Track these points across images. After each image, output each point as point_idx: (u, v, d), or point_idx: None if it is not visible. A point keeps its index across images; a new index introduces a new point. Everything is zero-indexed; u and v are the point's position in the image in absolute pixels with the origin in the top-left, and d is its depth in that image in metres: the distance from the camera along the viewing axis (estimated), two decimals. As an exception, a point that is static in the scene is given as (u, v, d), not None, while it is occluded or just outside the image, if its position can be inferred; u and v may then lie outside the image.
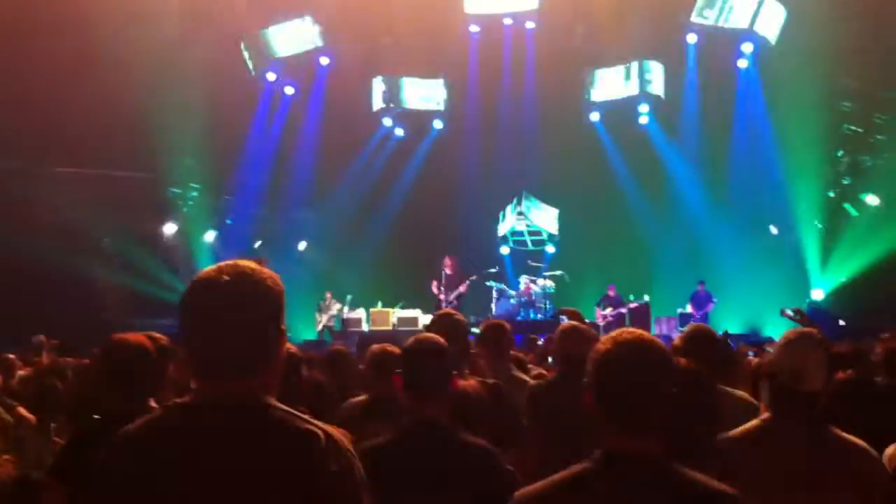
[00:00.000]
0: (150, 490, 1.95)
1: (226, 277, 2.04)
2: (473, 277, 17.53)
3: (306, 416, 2.04)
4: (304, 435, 1.98)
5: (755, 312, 18.15)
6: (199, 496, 1.93)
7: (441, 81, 20.90)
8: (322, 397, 5.14)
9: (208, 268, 2.09)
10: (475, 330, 7.64)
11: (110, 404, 3.71)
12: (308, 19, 19.31)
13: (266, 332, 2.05)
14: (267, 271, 2.10)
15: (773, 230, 19.12)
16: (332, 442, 2.00)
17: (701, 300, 17.82)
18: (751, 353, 9.08)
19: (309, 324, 18.59)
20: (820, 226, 18.44)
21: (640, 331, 2.37)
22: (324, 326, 18.54)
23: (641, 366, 2.26)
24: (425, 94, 21.09)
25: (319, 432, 1.99)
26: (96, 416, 3.77)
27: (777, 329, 17.05)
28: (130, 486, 1.96)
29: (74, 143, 16.03)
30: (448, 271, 17.28)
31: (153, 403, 3.59)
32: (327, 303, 18.65)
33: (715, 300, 17.77)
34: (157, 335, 4.03)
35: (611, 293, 17.84)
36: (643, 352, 2.28)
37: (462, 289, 17.18)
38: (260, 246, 19.75)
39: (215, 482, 1.93)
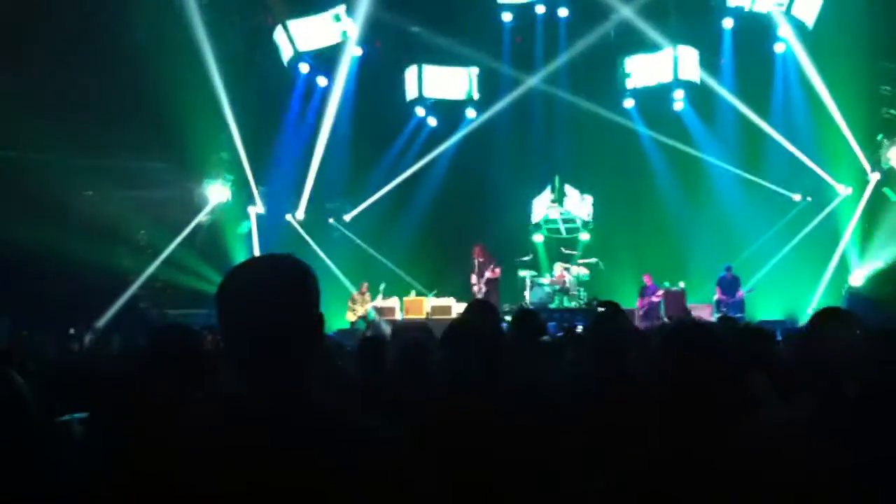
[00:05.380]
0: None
1: (262, 266, 2.07)
2: (500, 265, 17.53)
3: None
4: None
5: (793, 299, 17.98)
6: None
7: (474, 70, 20.82)
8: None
9: (244, 260, 2.10)
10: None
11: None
12: (341, 9, 19.27)
13: (303, 317, 2.03)
14: (300, 261, 2.09)
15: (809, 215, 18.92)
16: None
17: (729, 285, 17.64)
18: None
19: (342, 313, 18.51)
20: (859, 211, 18.19)
21: None
22: (358, 317, 18.19)
23: None
24: (458, 84, 21.00)
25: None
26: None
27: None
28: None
29: (109, 136, 16.13)
30: (480, 259, 17.29)
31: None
32: (363, 293, 18.39)
33: (744, 289, 17.64)
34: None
35: (647, 283, 17.71)
36: None
37: (489, 274, 17.15)
38: (294, 236, 19.83)
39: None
